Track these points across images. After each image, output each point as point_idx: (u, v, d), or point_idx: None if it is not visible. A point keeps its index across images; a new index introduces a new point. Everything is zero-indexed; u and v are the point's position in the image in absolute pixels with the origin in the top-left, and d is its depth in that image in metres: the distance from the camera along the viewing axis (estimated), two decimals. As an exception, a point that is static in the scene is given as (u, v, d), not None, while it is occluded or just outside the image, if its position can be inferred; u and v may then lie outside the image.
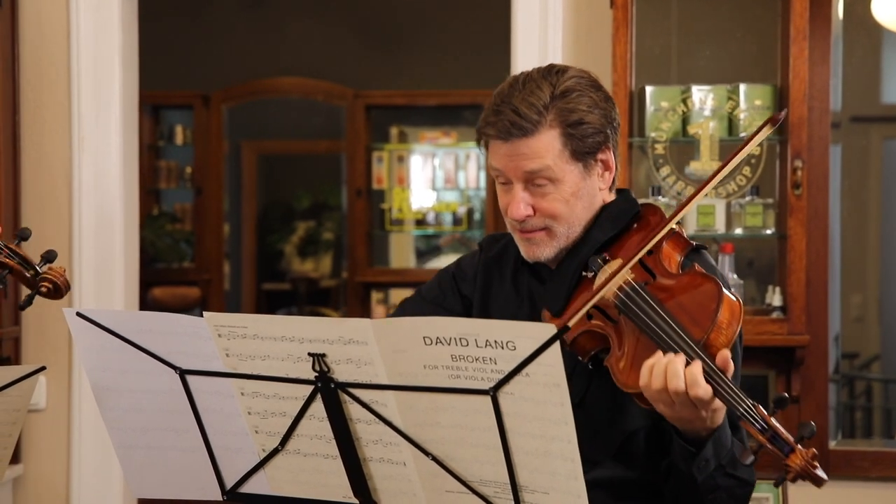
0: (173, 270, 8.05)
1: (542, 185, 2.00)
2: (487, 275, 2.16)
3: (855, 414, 5.05)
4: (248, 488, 1.85)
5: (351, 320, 1.63)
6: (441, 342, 1.59)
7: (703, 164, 3.53)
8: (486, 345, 1.56)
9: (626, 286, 1.90)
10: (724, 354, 1.79)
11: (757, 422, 1.73)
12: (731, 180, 3.58)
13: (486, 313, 2.13)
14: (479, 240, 7.73)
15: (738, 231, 3.58)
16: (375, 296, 7.96)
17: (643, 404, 1.85)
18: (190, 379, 1.79)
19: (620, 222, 2.06)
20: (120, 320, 1.80)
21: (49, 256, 2.22)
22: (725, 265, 3.45)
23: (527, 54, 3.72)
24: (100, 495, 3.92)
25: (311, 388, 1.70)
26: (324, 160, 8.85)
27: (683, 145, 3.61)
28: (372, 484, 1.74)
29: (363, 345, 1.64)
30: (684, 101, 3.57)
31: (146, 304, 7.35)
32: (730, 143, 3.55)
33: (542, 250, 2.05)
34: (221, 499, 1.88)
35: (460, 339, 1.58)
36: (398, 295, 8.00)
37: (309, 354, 1.67)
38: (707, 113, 3.56)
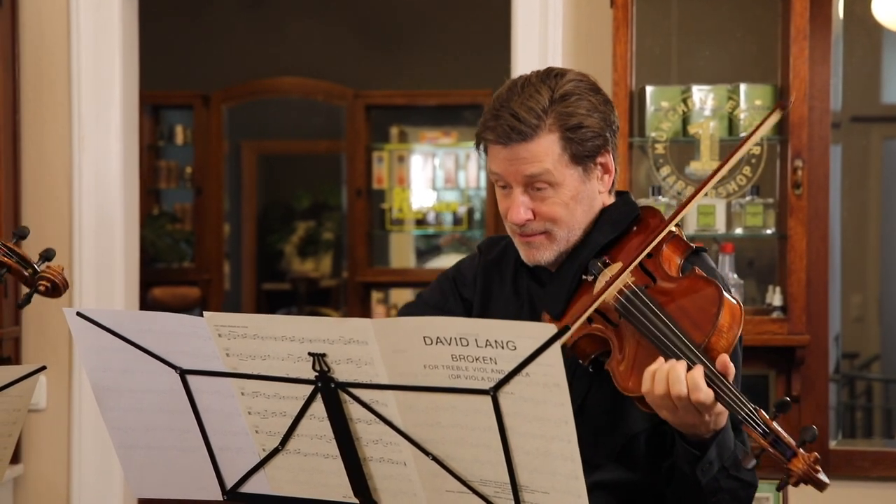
0: (173, 270, 8.05)
1: (541, 189, 2.00)
2: (487, 278, 2.16)
3: (855, 414, 5.05)
4: (248, 488, 1.85)
5: (351, 320, 1.63)
6: (441, 342, 1.59)
7: (703, 164, 3.53)
8: (486, 345, 1.57)
9: (627, 290, 1.90)
10: (724, 359, 1.79)
11: (759, 426, 1.72)
12: (732, 180, 3.58)
13: (486, 316, 2.13)
14: (479, 239, 7.71)
15: (739, 231, 3.58)
16: (375, 296, 7.96)
17: (644, 408, 1.85)
18: (190, 379, 1.79)
19: (620, 225, 2.06)
20: (120, 320, 1.80)
21: (47, 255, 2.22)
22: (726, 265, 3.45)
23: (527, 54, 3.72)
24: (100, 495, 3.92)
25: (311, 387, 1.70)
26: (324, 160, 8.85)
27: (684, 145, 3.60)
28: (372, 484, 1.74)
29: (363, 345, 1.64)
30: (685, 101, 3.57)
31: (146, 304, 7.35)
32: (730, 143, 3.54)
33: (542, 254, 2.05)
34: (222, 499, 1.87)
35: (460, 338, 1.58)
36: (398, 295, 8.00)
37: (309, 354, 1.67)
38: (707, 113, 3.56)
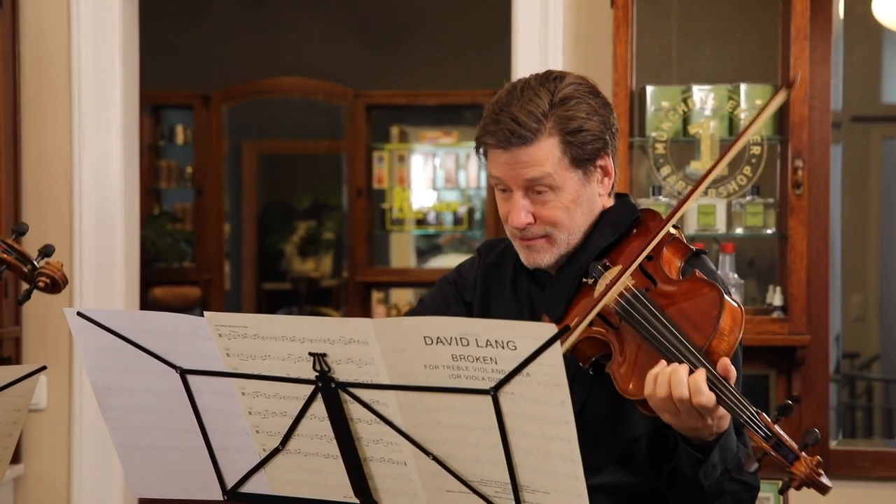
0: (174, 270, 8.05)
1: (542, 192, 2.00)
2: (487, 280, 2.17)
3: (855, 414, 5.04)
4: (248, 488, 1.85)
5: (352, 320, 1.63)
6: (442, 342, 1.59)
7: (703, 163, 3.53)
8: (486, 344, 1.57)
9: (627, 293, 1.90)
10: (726, 362, 1.79)
11: (761, 429, 1.72)
12: (732, 180, 3.58)
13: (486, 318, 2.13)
14: (479, 239, 7.72)
15: (739, 231, 3.58)
16: (376, 295, 7.97)
17: (645, 411, 1.85)
18: (190, 379, 1.79)
19: (620, 228, 2.06)
20: (121, 320, 1.80)
21: (47, 251, 2.22)
22: (726, 265, 3.45)
23: (527, 54, 3.72)
24: (100, 495, 3.92)
25: (311, 387, 1.70)
26: (324, 160, 8.85)
27: (684, 145, 3.60)
28: (372, 484, 1.74)
29: (364, 344, 1.64)
30: (685, 101, 3.57)
31: (147, 303, 7.35)
32: (730, 143, 3.54)
33: (542, 257, 2.05)
34: (222, 499, 1.88)
35: (461, 338, 1.58)
36: (399, 295, 8.00)
37: (310, 354, 1.67)
38: (708, 113, 3.56)
